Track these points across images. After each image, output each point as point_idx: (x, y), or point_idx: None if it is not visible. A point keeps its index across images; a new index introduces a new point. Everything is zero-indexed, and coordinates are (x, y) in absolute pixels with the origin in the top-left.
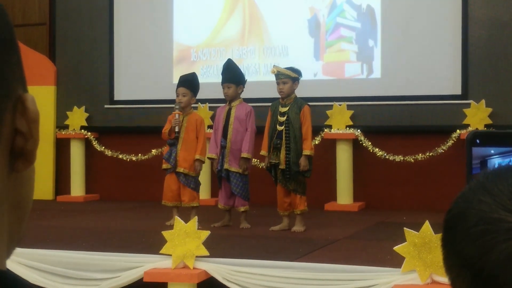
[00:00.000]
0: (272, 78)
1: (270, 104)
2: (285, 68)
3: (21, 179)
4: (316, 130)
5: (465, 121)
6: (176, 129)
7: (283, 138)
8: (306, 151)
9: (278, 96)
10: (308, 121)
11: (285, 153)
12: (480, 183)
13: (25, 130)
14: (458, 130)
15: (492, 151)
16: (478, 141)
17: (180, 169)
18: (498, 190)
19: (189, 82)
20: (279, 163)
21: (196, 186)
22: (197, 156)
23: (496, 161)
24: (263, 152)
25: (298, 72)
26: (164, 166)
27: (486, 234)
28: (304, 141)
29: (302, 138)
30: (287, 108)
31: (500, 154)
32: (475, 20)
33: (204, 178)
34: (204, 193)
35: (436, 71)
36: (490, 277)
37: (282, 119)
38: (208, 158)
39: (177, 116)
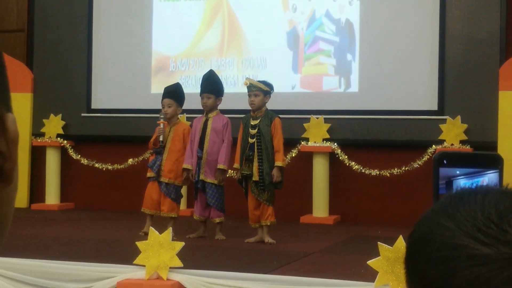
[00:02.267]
0: None
1: None
2: (258, 81)
3: (1, 199)
4: (293, 143)
5: (441, 137)
6: (161, 138)
7: (255, 150)
8: (279, 163)
9: None
10: (279, 133)
11: (257, 165)
12: (442, 207)
13: (4, 150)
14: (433, 146)
15: (458, 172)
16: (445, 161)
17: (165, 179)
18: (461, 215)
19: (174, 93)
20: (252, 175)
21: (176, 197)
22: (184, 166)
23: (461, 182)
24: (236, 165)
25: (270, 86)
26: (148, 174)
27: (449, 260)
28: (276, 153)
29: (274, 150)
30: (258, 120)
31: (466, 175)
32: (452, 37)
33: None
34: (180, 203)
35: (413, 86)
36: None
37: (253, 131)
38: (184, 168)
39: (161, 125)
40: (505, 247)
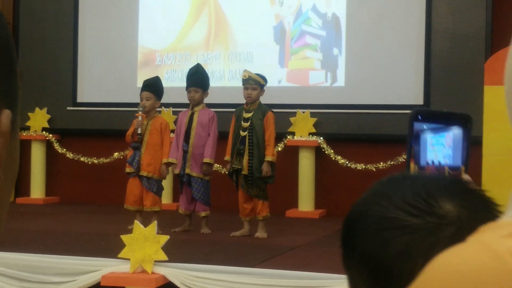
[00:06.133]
0: (236, 83)
1: (234, 110)
2: (255, 74)
3: None
4: (279, 137)
5: None
6: (139, 131)
7: (246, 144)
8: (269, 157)
9: (242, 102)
10: (272, 128)
11: (247, 159)
12: (377, 189)
13: None
14: None
15: (425, 127)
16: (419, 117)
17: (144, 173)
18: (393, 194)
19: (153, 86)
20: (242, 169)
21: (158, 190)
22: (164, 160)
23: (428, 136)
24: (227, 157)
25: (265, 80)
26: (127, 169)
27: (383, 231)
28: (267, 147)
29: (265, 144)
30: (251, 114)
31: (432, 130)
32: (438, 32)
33: (166, 182)
34: (166, 197)
35: (399, 81)
36: (386, 269)
37: (246, 124)
38: (169, 162)
39: (140, 118)
40: (430, 218)
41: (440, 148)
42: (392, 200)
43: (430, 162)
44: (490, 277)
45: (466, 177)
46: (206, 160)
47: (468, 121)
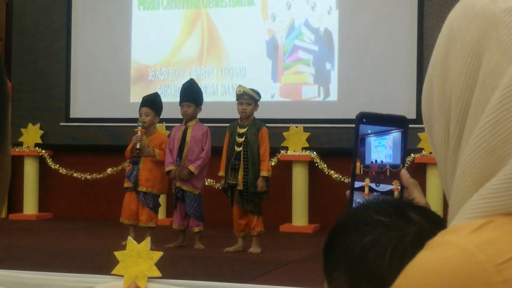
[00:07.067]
0: (230, 98)
1: (227, 125)
2: (249, 89)
3: None
4: (273, 152)
5: (419, 145)
6: (137, 146)
7: (241, 159)
8: (264, 173)
9: (235, 117)
10: (266, 143)
11: (243, 174)
12: (359, 205)
13: None
14: (412, 154)
15: (369, 131)
16: (364, 120)
17: (143, 189)
18: (371, 205)
19: (152, 102)
20: (237, 184)
21: (154, 206)
22: (167, 169)
23: (372, 139)
24: (221, 173)
25: (260, 95)
26: (125, 184)
27: (361, 227)
28: (261, 163)
29: (260, 160)
30: (246, 129)
31: (375, 134)
32: (430, 46)
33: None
34: (159, 213)
35: (392, 95)
36: (359, 259)
37: (241, 140)
38: (167, 171)
39: (139, 133)
40: (399, 219)
41: (382, 149)
42: (370, 207)
43: (374, 161)
44: (463, 270)
45: (403, 171)
46: (191, 168)
47: (405, 122)
